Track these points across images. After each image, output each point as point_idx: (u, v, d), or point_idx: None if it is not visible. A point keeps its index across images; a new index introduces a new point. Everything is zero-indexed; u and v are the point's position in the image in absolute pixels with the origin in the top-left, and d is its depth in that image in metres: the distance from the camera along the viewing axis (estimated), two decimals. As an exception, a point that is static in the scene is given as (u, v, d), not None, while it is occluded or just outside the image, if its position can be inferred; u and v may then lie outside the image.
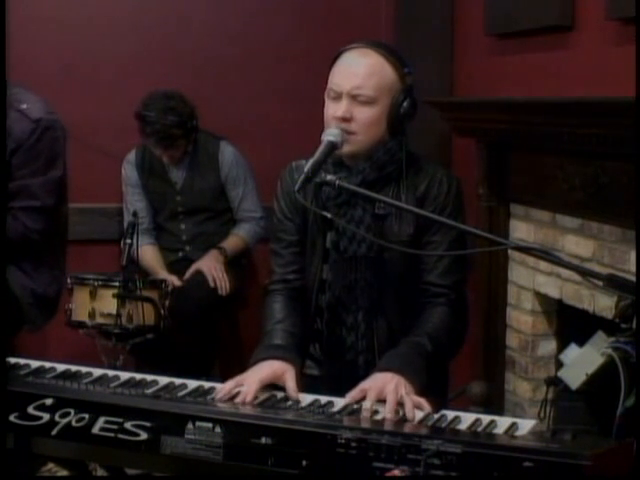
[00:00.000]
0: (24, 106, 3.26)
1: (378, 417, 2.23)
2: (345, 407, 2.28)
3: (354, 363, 2.65)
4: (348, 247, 2.63)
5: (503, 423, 2.19)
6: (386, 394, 2.27)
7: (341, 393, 2.35)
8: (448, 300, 2.62)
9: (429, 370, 2.46)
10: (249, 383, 2.35)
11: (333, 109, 2.57)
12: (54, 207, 3.38)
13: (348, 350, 2.66)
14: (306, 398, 2.35)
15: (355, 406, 2.28)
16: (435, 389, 2.71)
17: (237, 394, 2.33)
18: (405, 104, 2.58)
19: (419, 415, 2.24)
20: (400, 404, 2.26)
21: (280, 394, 2.38)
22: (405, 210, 2.55)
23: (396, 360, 2.43)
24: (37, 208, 3.31)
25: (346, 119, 2.55)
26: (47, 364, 2.52)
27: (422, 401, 2.28)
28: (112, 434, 2.17)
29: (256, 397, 2.33)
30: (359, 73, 2.55)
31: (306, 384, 2.50)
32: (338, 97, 2.57)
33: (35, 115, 3.27)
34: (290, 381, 2.39)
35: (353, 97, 2.55)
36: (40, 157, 3.29)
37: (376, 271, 2.63)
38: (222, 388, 2.35)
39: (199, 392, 2.36)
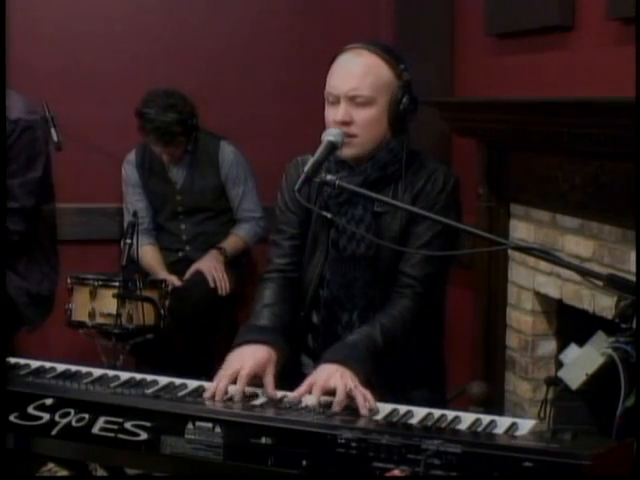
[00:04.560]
0: None
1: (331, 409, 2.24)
2: (296, 402, 2.28)
3: None
4: (347, 246, 2.64)
5: (503, 423, 2.19)
6: (334, 386, 2.28)
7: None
8: (414, 293, 2.59)
9: (377, 361, 2.45)
10: (239, 381, 2.35)
11: (332, 113, 2.57)
12: (34, 208, 3.37)
13: None
14: (306, 398, 2.35)
15: (303, 401, 2.28)
16: (432, 384, 2.71)
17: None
18: (404, 100, 2.57)
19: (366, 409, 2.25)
20: (350, 397, 2.27)
21: (280, 393, 2.37)
22: (403, 209, 2.55)
23: (341, 351, 2.43)
24: (16, 209, 3.30)
25: (346, 122, 2.54)
26: (47, 364, 2.52)
27: (366, 393, 2.28)
28: (112, 434, 2.17)
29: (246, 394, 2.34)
30: (354, 74, 2.55)
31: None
32: (336, 101, 2.56)
33: (14, 115, 3.26)
34: (269, 377, 2.39)
35: (351, 99, 2.54)
36: (19, 158, 3.28)
37: (374, 270, 2.63)
38: (215, 388, 2.35)
39: (199, 392, 2.36)
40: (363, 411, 2.23)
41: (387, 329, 2.51)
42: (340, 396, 2.26)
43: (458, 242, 2.73)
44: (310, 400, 2.28)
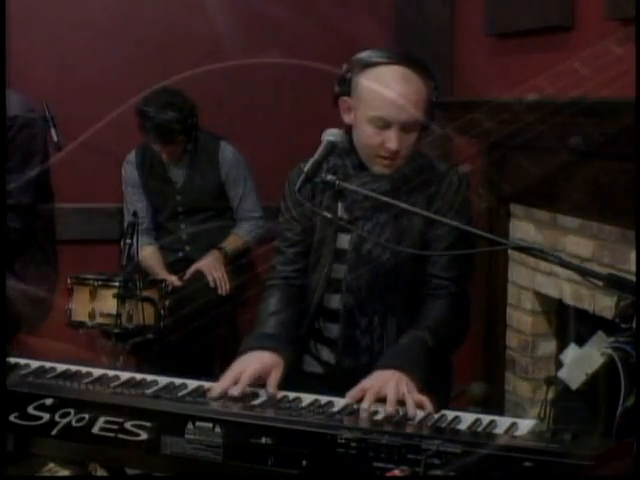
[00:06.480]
0: None
1: (378, 417, 2.22)
2: (345, 407, 2.27)
3: (368, 365, 2.59)
4: (372, 251, 2.62)
5: (503, 423, 2.19)
6: (386, 392, 2.26)
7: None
8: (448, 293, 2.60)
9: (430, 365, 2.44)
10: (242, 380, 2.34)
11: (380, 138, 2.52)
12: (30, 205, 3.36)
13: (363, 352, 2.65)
14: (306, 398, 2.35)
15: (355, 406, 2.27)
16: (439, 388, 2.70)
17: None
18: (433, 117, 2.58)
19: (420, 414, 2.23)
20: (401, 402, 2.25)
21: (280, 393, 2.37)
22: (417, 214, 2.53)
23: (397, 357, 2.42)
24: (12, 206, 3.28)
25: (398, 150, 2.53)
26: (47, 364, 2.51)
27: (424, 399, 2.27)
28: (112, 434, 2.17)
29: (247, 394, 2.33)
30: (410, 103, 2.50)
31: (307, 382, 2.49)
32: (386, 126, 2.51)
33: (11, 113, 3.25)
34: (273, 375, 2.39)
35: (403, 126, 2.52)
36: (15, 155, 3.28)
37: (395, 275, 2.62)
38: (217, 387, 2.34)
39: (199, 392, 2.35)
40: (411, 413, 2.20)
41: (436, 330, 2.51)
42: (391, 402, 2.23)
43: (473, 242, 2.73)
44: (363, 405, 2.25)
